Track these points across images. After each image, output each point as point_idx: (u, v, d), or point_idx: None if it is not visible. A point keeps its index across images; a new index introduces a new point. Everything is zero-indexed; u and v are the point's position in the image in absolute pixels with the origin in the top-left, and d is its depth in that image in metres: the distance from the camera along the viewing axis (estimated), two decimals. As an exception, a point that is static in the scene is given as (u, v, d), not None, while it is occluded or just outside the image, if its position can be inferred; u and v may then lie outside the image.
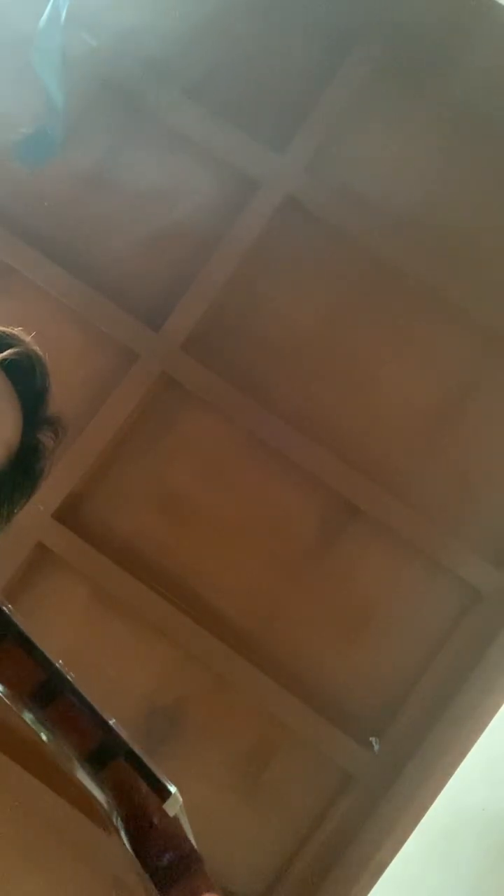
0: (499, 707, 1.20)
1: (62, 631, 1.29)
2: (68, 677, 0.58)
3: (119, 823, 0.56)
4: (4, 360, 0.62)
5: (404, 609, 1.30)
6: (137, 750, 0.58)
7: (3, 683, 0.55)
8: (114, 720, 0.58)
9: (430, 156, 1.37)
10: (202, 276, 1.33)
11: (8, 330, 0.65)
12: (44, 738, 0.56)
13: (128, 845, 0.56)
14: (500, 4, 1.26)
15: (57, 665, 0.58)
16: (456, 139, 1.37)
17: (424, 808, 1.18)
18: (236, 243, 1.34)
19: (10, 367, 0.64)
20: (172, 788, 0.58)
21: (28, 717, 0.56)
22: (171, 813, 0.57)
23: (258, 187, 1.35)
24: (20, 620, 0.57)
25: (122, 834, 0.56)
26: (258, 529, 1.33)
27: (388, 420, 1.34)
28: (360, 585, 1.31)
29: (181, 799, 0.58)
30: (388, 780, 1.22)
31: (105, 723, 0.57)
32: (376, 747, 1.24)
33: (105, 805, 0.57)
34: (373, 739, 1.25)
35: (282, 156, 1.35)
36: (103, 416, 1.31)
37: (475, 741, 1.19)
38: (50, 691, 0.56)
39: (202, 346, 1.34)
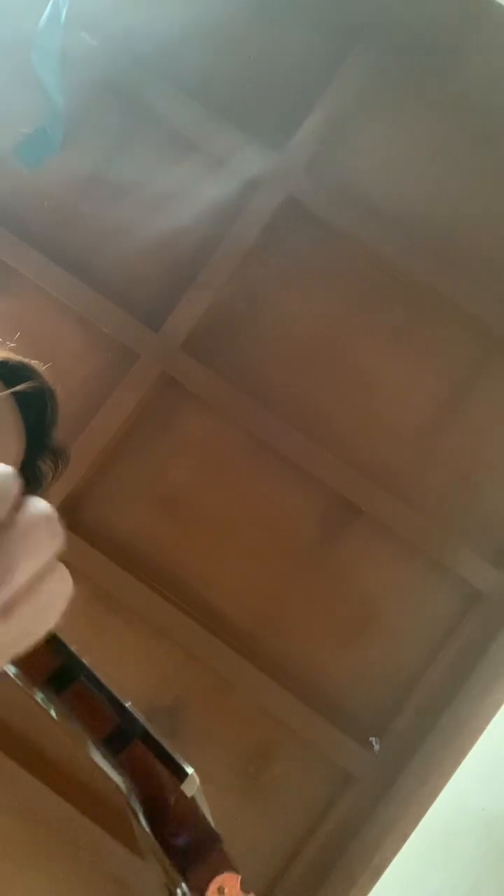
0: (499, 707, 1.20)
1: (62, 631, 1.29)
2: (83, 661, 0.58)
3: (137, 806, 0.56)
4: (18, 392, 0.63)
5: (404, 609, 1.30)
6: (154, 732, 0.58)
7: (18, 668, 0.55)
8: (129, 703, 0.58)
9: (431, 156, 1.37)
10: (202, 277, 1.33)
11: (26, 361, 0.66)
12: (53, 715, 0.56)
13: (146, 827, 0.56)
14: (500, 5, 1.26)
15: (72, 649, 0.58)
16: (456, 139, 1.37)
17: (424, 808, 1.18)
18: (236, 243, 1.34)
19: (22, 398, 0.65)
20: (189, 770, 0.58)
21: (39, 696, 0.56)
22: (188, 794, 0.57)
23: (258, 187, 1.35)
24: None
25: (140, 816, 0.56)
26: (258, 529, 1.33)
27: (388, 420, 1.34)
28: (360, 585, 1.31)
29: (198, 780, 0.58)
30: (388, 780, 1.22)
31: (121, 705, 0.58)
32: (376, 747, 1.24)
33: (122, 787, 0.57)
34: (373, 739, 1.25)
35: (282, 156, 1.35)
36: (103, 416, 1.31)
37: (475, 741, 1.19)
38: (66, 676, 0.57)
39: (202, 346, 1.34)
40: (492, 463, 1.33)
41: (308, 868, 1.22)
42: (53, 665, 0.56)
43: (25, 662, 0.55)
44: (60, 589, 0.34)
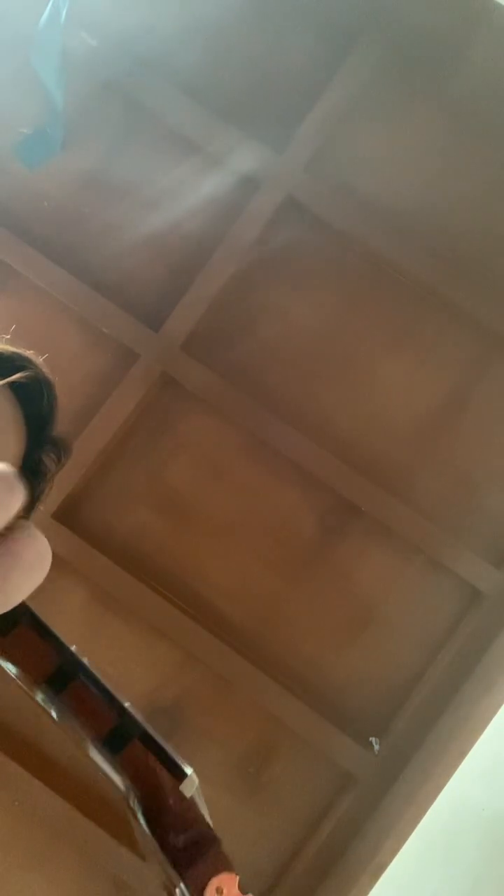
0: (499, 707, 1.20)
1: (62, 631, 1.29)
2: (83, 661, 0.58)
3: (136, 806, 0.56)
4: (13, 382, 0.62)
5: (404, 609, 1.30)
6: (153, 732, 0.58)
7: (18, 668, 0.55)
8: (129, 703, 0.58)
9: (431, 156, 1.37)
10: (202, 276, 1.33)
11: (20, 351, 0.65)
12: (53, 716, 0.56)
13: (145, 827, 0.56)
14: (500, 5, 1.26)
15: (71, 649, 0.58)
16: (456, 139, 1.37)
17: (424, 808, 1.18)
18: (236, 243, 1.34)
19: (18, 389, 0.64)
20: (189, 770, 0.58)
21: (39, 696, 0.56)
22: (187, 794, 0.57)
23: (258, 187, 1.35)
24: (34, 606, 0.57)
25: (140, 816, 0.56)
26: (258, 529, 1.33)
27: (388, 420, 1.34)
28: (360, 585, 1.31)
29: (197, 780, 0.59)
30: (388, 780, 1.22)
31: (121, 705, 0.58)
32: (376, 747, 1.24)
33: (122, 787, 0.57)
34: (373, 739, 1.25)
35: (282, 156, 1.35)
36: (103, 416, 1.31)
37: (475, 741, 1.19)
38: (65, 676, 0.57)
39: (202, 346, 1.34)
40: (492, 463, 1.33)
41: (308, 868, 1.22)
42: (53, 665, 0.56)
43: (25, 662, 0.55)
44: (32, 548, 0.32)
